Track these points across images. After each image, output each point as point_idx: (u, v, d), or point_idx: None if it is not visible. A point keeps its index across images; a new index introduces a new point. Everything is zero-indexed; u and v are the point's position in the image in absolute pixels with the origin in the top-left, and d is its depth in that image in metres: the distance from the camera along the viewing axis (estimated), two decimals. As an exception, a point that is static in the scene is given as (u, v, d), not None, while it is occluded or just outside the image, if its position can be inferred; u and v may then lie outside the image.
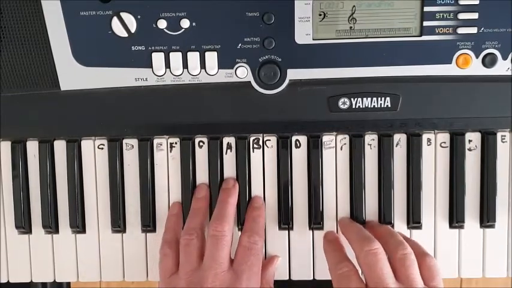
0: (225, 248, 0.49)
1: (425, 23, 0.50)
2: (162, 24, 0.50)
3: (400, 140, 0.54)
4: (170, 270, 0.51)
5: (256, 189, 0.55)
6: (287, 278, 0.55)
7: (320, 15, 0.50)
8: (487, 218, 0.54)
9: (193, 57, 0.51)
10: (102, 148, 0.55)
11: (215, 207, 0.53)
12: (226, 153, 0.55)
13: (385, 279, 0.45)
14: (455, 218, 0.54)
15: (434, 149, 0.54)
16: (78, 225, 0.55)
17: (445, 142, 0.54)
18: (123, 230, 0.55)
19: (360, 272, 0.48)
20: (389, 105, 0.52)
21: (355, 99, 0.52)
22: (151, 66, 0.51)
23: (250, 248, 0.50)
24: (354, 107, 0.52)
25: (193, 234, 0.51)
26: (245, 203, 0.54)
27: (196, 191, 0.54)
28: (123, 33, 0.50)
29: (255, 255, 0.50)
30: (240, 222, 0.54)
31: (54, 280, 0.56)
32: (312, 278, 0.55)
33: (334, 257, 0.50)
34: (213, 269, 0.48)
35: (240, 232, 0.54)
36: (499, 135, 0.54)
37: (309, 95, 0.52)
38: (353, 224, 0.53)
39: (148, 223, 0.54)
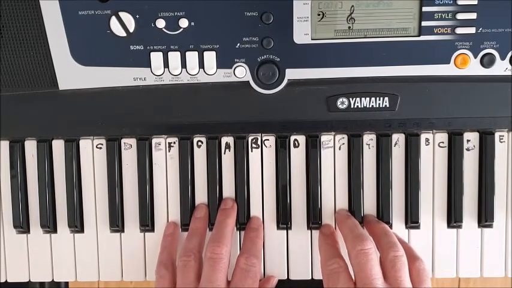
0: (222, 270, 0.49)
1: (424, 23, 0.50)
2: (160, 23, 0.50)
3: (398, 139, 0.54)
4: None
5: (254, 189, 0.55)
6: (285, 277, 0.55)
7: (319, 15, 0.50)
8: (485, 217, 0.54)
9: (192, 56, 0.51)
10: (100, 148, 0.55)
11: (213, 227, 0.53)
12: (224, 153, 0.55)
13: (373, 280, 0.46)
14: (454, 218, 0.54)
15: (433, 149, 0.54)
16: (77, 224, 0.55)
17: (443, 142, 0.54)
18: (122, 230, 0.55)
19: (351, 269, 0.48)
20: (387, 105, 0.52)
21: (354, 99, 0.52)
22: (149, 66, 0.51)
23: (247, 270, 0.50)
24: (352, 106, 0.52)
25: (190, 256, 0.51)
26: (243, 204, 0.54)
27: (196, 210, 0.54)
28: (121, 33, 0.50)
29: (252, 277, 0.50)
30: (238, 225, 0.55)
31: (53, 280, 0.56)
32: (310, 277, 0.55)
33: (327, 252, 0.51)
34: None
35: (238, 232, 0.55)
36: (497, 135, 0.54)
37: (307, 95, 0.52)
38: (349, 220, 0.52)
39: (147, 223, 0.54)
